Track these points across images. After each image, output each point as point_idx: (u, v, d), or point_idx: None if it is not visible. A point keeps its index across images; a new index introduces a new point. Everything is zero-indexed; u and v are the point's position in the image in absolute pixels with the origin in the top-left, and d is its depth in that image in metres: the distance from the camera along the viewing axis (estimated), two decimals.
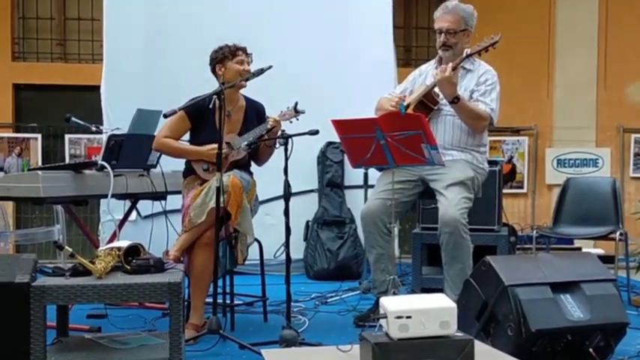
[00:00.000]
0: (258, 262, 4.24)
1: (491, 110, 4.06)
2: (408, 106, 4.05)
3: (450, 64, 3.92)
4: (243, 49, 4.03)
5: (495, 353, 2.74)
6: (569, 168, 7.80)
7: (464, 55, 3.96)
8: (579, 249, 6.29)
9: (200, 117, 3.97)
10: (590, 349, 3.03)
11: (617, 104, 7.73)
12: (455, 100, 3.93)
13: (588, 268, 3.27)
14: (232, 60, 3.99)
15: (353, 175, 6.03)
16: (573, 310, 3.04)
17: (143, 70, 5.99)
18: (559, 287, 3.11)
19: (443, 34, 4.09)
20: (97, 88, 6.13)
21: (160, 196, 4.51)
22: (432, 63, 4.30)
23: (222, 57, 4.01)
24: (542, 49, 7.78)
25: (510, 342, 2.98)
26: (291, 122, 4.03)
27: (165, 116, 3.65)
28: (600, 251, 6.27)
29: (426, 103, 4.08)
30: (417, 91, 4.17)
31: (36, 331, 2.66)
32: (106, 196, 4.00)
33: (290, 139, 3.66)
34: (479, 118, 4.03)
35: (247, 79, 3.90)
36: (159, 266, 2.94)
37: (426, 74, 4.28)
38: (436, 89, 4.06)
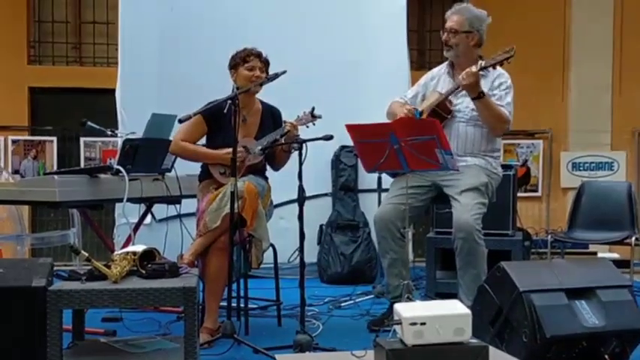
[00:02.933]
0: (273, 265, 4.25)
1: (509, 113, 4.05)
2: (421, 114, 4.05)
3: (474, 67, 3.89)
4: (257, 55, 4.05)
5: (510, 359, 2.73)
6: (584, 171, 7.76)
7: (478, 66, 3.92)
8: (594, 254, 6.27)
9: (216, 121, 3.99)
10: (606, 356, 3.02)
11: (632, 108, 7.68)
12: (480, 95, 3.91)
13: (603, 274, 3.26)
14: (243, 66, 4.02)
15: (367, 178, 6.03)
16: (588, 316, 3.03)
17: (158, 74, 6.02)
18: (574, 293, 3.10)
19: (445, 33, 4.13)
20: (112, 91, 6.17)
21: (174, 200, 4.53)
22: (444, 67, 4.29)
23: (235, 63, 4.05)
24: (557, 52, 7.75)
25: (525, 348, 2.97)
26: (307, 127, 4.04)
27: (181, 121, 3.67)
28: (615, 256, 6.24)
29: (440, 112, 4.07)
30: (430, 98, 4.16)
31: (52, 335, 2.68)
32: (121, 200, 4.02)
33: (304, 144, 3.67)
34: (500, 120, 4.01)
35: (262, 84, 3.93)
36: (174, 271, 2.96)
37: (438, 79, 4.26)
38: (450, 98, 4.06)
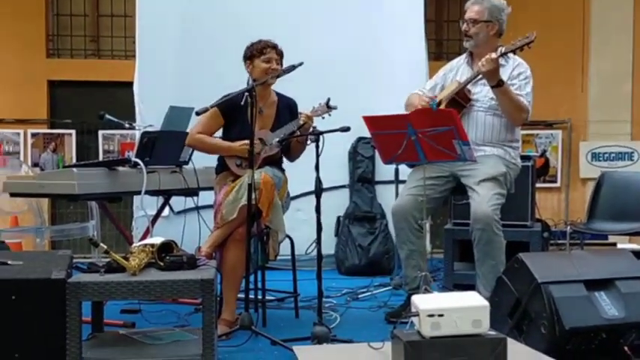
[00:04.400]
0: (290, 257, 4.26)
1: (528, 103, 4.03)
2: (439, 103, 4.03)
3: (494, 53, 3.87)
4: (273, 47, 4.04)
5: (528, 352, 2.72)
6: (603, 162, 7.69)
7: (498, 52, 3.90)
8: (614, 244, 6.21)
9: (233, 113, 4.00)
10: (625, 347, 3.00)
11: None
12: (500, 83, 3.89)
13: (623, 265, 3.24)
14: (259, 58, 4.02)
15: (384, 170, 6.01)
16: (608, 307, 3.01)
17: (175, 67, 6.03)
18: (593, 284, 3.08)
19: (465, 23, 4.12)
20: (130, 84, 6.19)
21: (192, 193, 4.55)
22: (463, 58, 4.28)
23: (251, 54, 4.05)
24: (577, 41, 7.67)
25: (544, 340, 2.96)
26: (323, 118, 4.04)
27: (198, 114, 3.68)
28: (636, 247, 6.18)
29: (458, 101, 4.05)
30: (449, 87, 4.14)
31: (72, 327, 2.70)
32: (139, 193, 4.04)
33: (321, 136, 3.66)
34: (519, 109, 3.99)
35: (278, 76, 3.92)
36: (192, 263, 2.97)
37: (457, 70, 4.25)
38: (469, 87, 4.04)
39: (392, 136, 3.68)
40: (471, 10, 4.12)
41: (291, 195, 4.23)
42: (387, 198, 5.85)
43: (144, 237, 4.44)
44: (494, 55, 3.82)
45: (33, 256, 3.13)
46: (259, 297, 4.11)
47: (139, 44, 6.17)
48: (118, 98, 7.07)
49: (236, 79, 4.11)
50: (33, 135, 7.62)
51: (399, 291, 4.78)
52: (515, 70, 4.08)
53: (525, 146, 7.54)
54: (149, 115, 5.53)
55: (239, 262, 3.72)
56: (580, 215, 5.83)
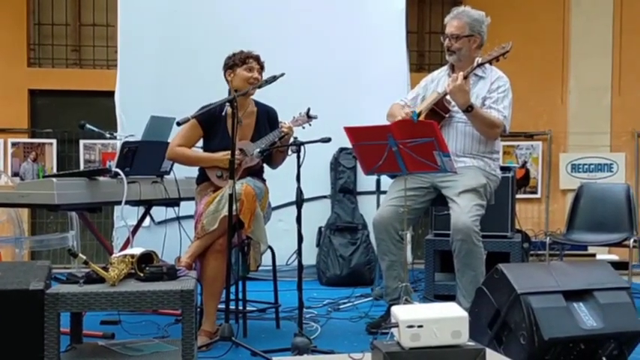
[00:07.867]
0: (271, 268, 4.25)
1: (504, 117, 4.05)
2: (419, 114, 4.05)
3: (461, 73, 3.92)
4: (255, 57, 4.05)
5: None
6: (583, 173, 7.76)
7: (475, 64, 3.96)
8: (593, 255, 6.27)
9: (212, 124, 4.00)
10: (604, 358, 3.02)
11: (631, 109, 7.67)
12: (469, 109, 3.93)
13: (602, 276, 3.25)
14: (242, 67, 4.02)
15: (365, 181, 6.02)
16: (586, 318, 3.03)
17: (157, 77, 6.02)
18: (572, 295, 3.09)
19: (447, 39, 4.12)
20: (111, 93, 6.18)
21: (173, 203, 4.54)
22: (444, 69, 4.31)
23: (233, 64, 4.05)
24: (557, 53, 7.75)
25: (523, 350, 2.97)
26: (303, 128, 4.05)
27: (179, 124, 3.67)
28: (614, 257, 6.24)
29: (438, 111, 4.08)
30: (429, 98, 4.17)
31: (50, 338, 2.68)
32: (119, 203, 4.02)
33: (303, 146, 3.67)
34: (492, 126, 4.03)
35: (260, 87, 3.93)
36: (172, 273, 2.96)
37: (437, 81, 4.28)
38: (448, 97, 4.07)
39: (373, 147, 3.70)
40: (451, 25, 4.13)
41: (273, 205, 4.23)
42: (369, 209, 5.86)
43: (124, 247, 4.42)
44: (459, 82, 3.86)
45: (11, 267, 3.10)
46: (240, 308, 4.10)
47: (120, 54, 6.16)
48: (99, 108, 7.05)
49: (217, 89, 4.12)
50: (13, 144, 7.58)
51: (380, 302, 4.78)
52: (495, 83, 4.12)
53: (506, 157, 7.59)
54: (130, 125, 5.51)
55: (219, 273, 3.72)
56: (561, 226, 5.88)
